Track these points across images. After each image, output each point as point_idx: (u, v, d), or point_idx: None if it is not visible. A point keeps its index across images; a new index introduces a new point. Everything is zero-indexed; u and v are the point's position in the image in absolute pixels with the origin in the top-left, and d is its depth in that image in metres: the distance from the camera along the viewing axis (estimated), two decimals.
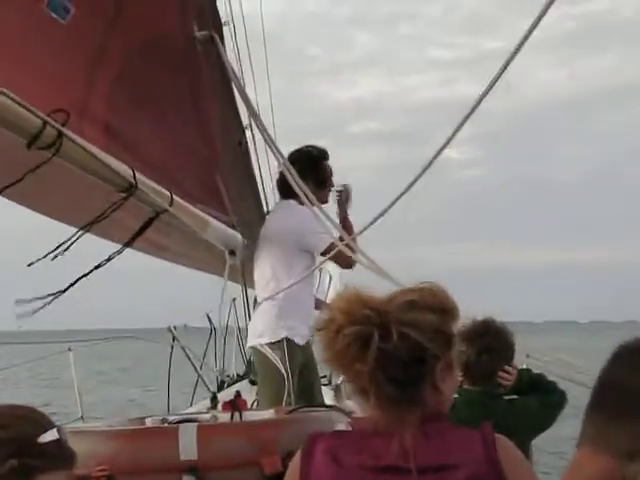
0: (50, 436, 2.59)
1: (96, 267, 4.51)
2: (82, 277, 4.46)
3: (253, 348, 5.84)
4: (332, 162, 5.85)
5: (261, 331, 5.77)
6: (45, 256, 4.07)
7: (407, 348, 2.29)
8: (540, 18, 2.74)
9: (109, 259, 4.56)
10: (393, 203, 4.21)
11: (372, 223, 4.90)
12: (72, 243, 4.16)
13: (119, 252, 4.58)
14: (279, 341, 5.61)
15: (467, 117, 3.33)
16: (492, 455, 2.33)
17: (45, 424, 2.63)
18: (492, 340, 4.08)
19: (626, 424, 1.57)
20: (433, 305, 2.38)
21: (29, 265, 4.05)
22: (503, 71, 3.03)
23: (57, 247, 4.10)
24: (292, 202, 5.73)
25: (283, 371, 5.53)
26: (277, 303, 5.68)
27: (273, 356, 5.64)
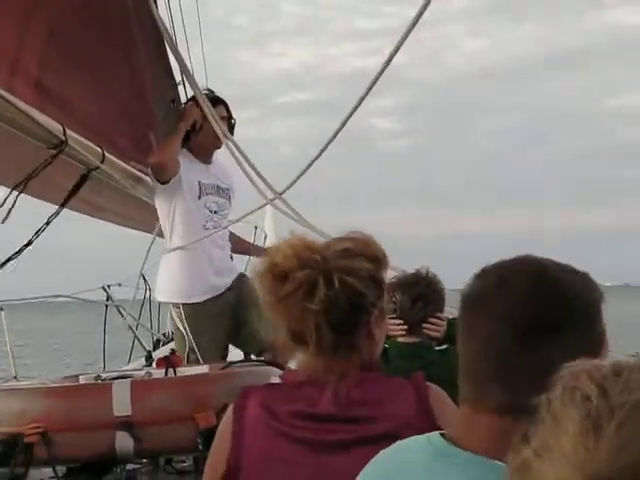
0: None
1: (37, 233, 4.45)
2: (27, 245, 4.41)
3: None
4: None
5: (159, 288, 5.83)
6: None
7: (346, 295, 2.32)
8: None
9: (48, 222, 4.51)
10: (308, 166, 4.32)
11: (289, 186, 4.98)
12: (12, 206, 4.12)
13: (57, 213, 4.53)
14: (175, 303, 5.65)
15: (370, 87, 3.38)
16: (424, 404, 2.37)
17: None
18: (425, 288, 4.12)
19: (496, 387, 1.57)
20: (367, 253, 2.40)
21: None
22: (404, 41, 3.06)
23: None
24: None
25: (182, 329, 5.55)
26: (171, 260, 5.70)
27: (171, 314, 5.71)
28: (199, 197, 5.62)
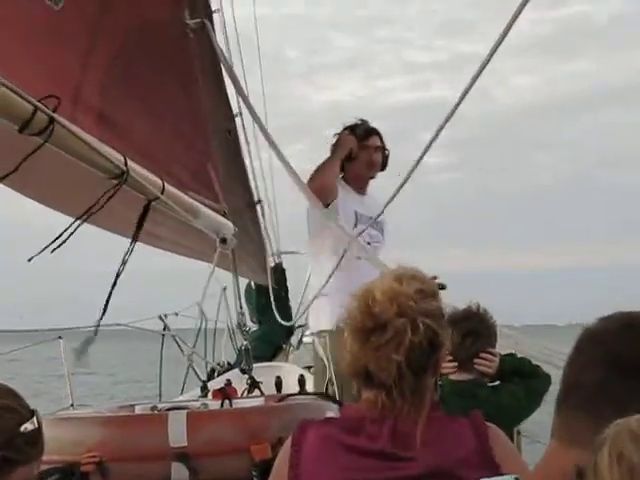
0: (30, 425, 2.59)
1: (117, 274, 4.47)
2: (115, 282, 4.42)
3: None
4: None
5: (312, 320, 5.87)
6: (43, 249, 4.05)
7: (428, 338, 2.32)
8: (513, 21, 2.76)
9: (124, 262, 4.53)
10: (382, 212, 4.36)
11: (363, 230, 5.04)
12: (70, 234, 4.14)
13: (131, 251, 4.55)
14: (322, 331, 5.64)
15: (445, 122, 3.39)
16: (484, 445, 2.36)
17: (25, 413, 2.63)
18: (476, 324, 4.10)
19: (584, 417, 1.59)
20: (434, 291, 2.41)
21: (29, 260, 4.03)
22: (478, 75, 3.06)
23: (54, 240, 4.08)
24: None
25: (324, 359, 5.50)
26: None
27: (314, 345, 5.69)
28: (355, 226, 5.64)
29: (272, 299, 7.92)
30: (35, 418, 2.62)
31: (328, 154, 5.84)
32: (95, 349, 4.59)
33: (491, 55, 2.95)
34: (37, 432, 2.62)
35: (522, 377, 4.20)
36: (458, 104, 3.27)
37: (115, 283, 4.37)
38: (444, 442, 2.35)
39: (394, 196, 4.28)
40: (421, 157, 3.80)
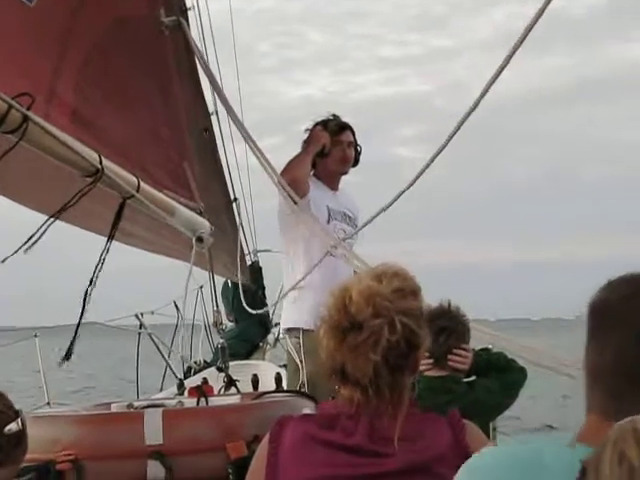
0: (15, 426, 2.58)
1: (95, 272, 4.45)
2: (92, 280, 4.41)
3: None
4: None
5: (284, 317, 5.84)
6: (17, 250, 4.04)
7: (406, 338, 2.32)
8: (540, 14, 2.75)
9: (102, 261, 4.51)
10: (372, 219, 4.49)
11: (353, 235, 5.06)
12: (43, 233, 4.13)
13: (107, 249, 4.54)
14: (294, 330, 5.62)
15: (452, 135, 3.37)
16: (461, 441, 2.37)
17: (10, 413, 2.62)
18: (449, 321, 4.12)
19: (628, 389, 1.60)
20: (414, 289, 2.41)
21: (2, 261, 4.01)
22: (493, 82, 3.04)
23: (28, 239, 4.07)
24: None
25: (297, 360, 5.48)
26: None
27: (288, 344, 5.66)
28: (328, 222, 5.63)
29: (241, 292, 7.93)
30: (20, 419, 2.62)
31: (300, 149, 5.83)
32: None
33: (512, 54, 2.93)
34: (21, 433, 2.61)
35: (497, 371, 4.22)
36: (470, 112, 3.25)
37: (92, 281, 4.36)
38: (421, 438, 2.36)
39: (391, 203, 4.26)
40: (424, 168, 3.78)
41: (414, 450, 2.32)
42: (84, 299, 4.28)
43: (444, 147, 3.52)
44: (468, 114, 3.26)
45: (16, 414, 2.63)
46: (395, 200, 4.16)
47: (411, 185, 3.97)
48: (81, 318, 4.32)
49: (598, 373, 1.64)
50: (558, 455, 1.63)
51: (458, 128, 3.35)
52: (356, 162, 5.99)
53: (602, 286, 1.68)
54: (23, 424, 2.63)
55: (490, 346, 4.47)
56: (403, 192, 4.06)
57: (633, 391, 1.58)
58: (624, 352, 1.59)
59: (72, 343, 4.42)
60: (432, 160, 3.69)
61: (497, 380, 4.19)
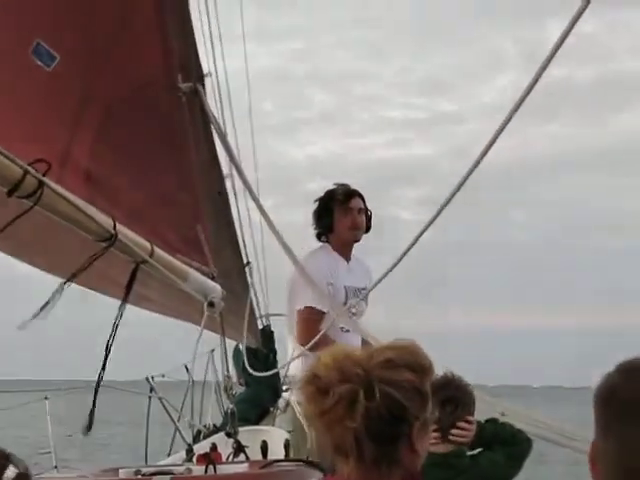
0: (11, 472, 2.56)
1: (111, 336, 4.47)
2: (107, 349, 4.43)
3: None
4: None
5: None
6: (34, 317, 4.06)
7: (388, 407, 2.29)
8: (538, 76, 2.77)
9: (116, 325, 4.54)
10: (381, 279, 4.36)
11: (363, 297, 5.05)
12: (58, 298, 4.15)
13: (121, 315, 4.56)
14: None
15: (454, 193, 3.38)
16: None
17: (3, 461, 2.60)
18: (454, 392, 4.08)
19: None
20: (411, 363, 2.37)
21: (19, 328, 4.03)
22: (490, 146, 3.05)
23: (44, 305, 4.09)
24: (313, 249, 5.83)
25: (307, 428, 5.44)
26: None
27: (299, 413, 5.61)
28: (345, 303, 5.61)
29: (244, 355, 7.91)
30: (12, 463, 2.60)
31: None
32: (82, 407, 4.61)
33: (514, 111, 2.94)
34: (22, 476, 2.59)
35: (503, 443, 4.17)
36: (467, 176, 3.26)
37: (108, 348, 4.38)
38: None
39: (389, 271, 4.27)
40: (426, 227, 3.79)
41: None
42: (103, 363, 4.32)
43: (441, 211, 3.54)
44: (465, 178, 3.28)
45: (7, 459, 2.61)
46: (394, 267, 4.17)
47: (408, 250, 3.98)
48: (99, 381, 4.36)
49: (630, 475, 1.52)
50: None
51: (454, 193, 3.37)
52: (368, 228, 6.00)
53: (611, 373, 1.58)
54: (19, 466, 2.61)
55: (497, 415, 4.42)
56: (400, 259, 4.08)
57: None
58: None
59: (92, 411, 4.45)
60: (429, 224, 3.70)
61: (501, 452, 4.15)
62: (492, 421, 4.30)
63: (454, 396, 4.06)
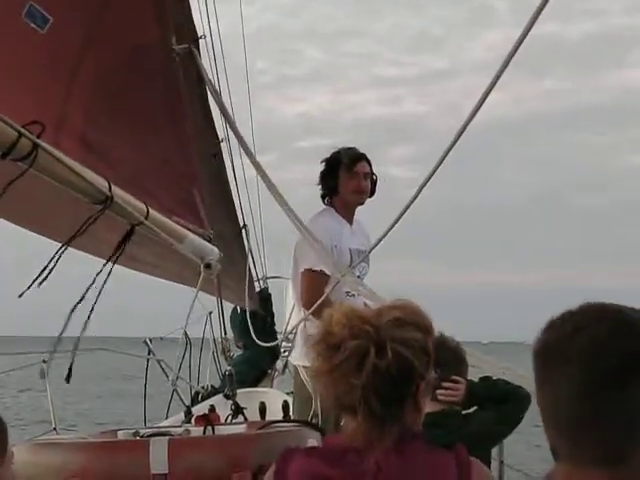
0: None
1: (87, 289, 4.48)
2: (79, 301, 4.44)
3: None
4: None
5: (298, 352, 5.80)
6: (32, 283, 4.07)
7: (398, 366, 2.30)
8: (524, 36, 2.76)
9: (94, 281, 4.54)
10: (380, 240, 4.38)
11: (364, 257, 5.05)
12: (56, 263, 4.16)
13: (109, 272, 4.56)
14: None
15: (445, 155, 3.37)
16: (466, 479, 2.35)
17: None
18: (443, 353, 4.09)
19: (591, 436, 1.59)
20: (418, 322, 2.39)
21: (20, 296, 4.05)
22: (481, 104, 3.04)
23: (42, 271, 4.09)
24: (320, 210, 5.84)
25: (311, 391, 5.45)
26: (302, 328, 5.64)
27: (305, 378, 5.61)
28: (350, 264, 5.61)
29: (249, 321, 7.94)
30: None
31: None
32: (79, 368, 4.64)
33: (497, 77, 2.93)
34: None
35: (495, 401, 4.18)
36: (463, 129, 3.25)
37: (92, 309, 4.40)
38: (421, 472, 2.35)
39: (387, 233, 4.27)
40: (419, 191, 3.78)
41: None
42: (85, 323, 4.36)
43: (435, 171, 3.53)
44: (458, 136, 3.27)
45: None
46: (391, 228, 4.17)
47: (405, 211, 3.97)
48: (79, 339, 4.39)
49: (555, 419, 1.62)
50: None
51: (448, 151, 3.37)
52: (372, 192, 5.99)
53: (543, 327, 1.65)
54: None
55: (491, 374, 4.42)
56: (398, 219, 4.07)
57: (594, 430, 1.56)
58: (573, 393, 1.57)
59: (71, 365, 4.48)
60: (424, 184, 3.69)
61: (493, 411, 4.15)
62: (484, 379, 4.31)
63: (443, 357, 4.07)
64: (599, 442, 1.56)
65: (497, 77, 2.93)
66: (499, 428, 4.21)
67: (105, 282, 4.45)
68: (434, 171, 3.53)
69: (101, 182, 4.12)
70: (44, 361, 6.97)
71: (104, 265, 4.50)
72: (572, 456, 1.60)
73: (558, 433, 1.63)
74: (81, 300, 4.38)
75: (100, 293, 4.41)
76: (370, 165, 5.95)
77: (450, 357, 4.11)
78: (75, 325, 4.44)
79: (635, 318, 1.60)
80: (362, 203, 5.96)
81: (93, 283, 4.39)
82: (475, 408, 4.23)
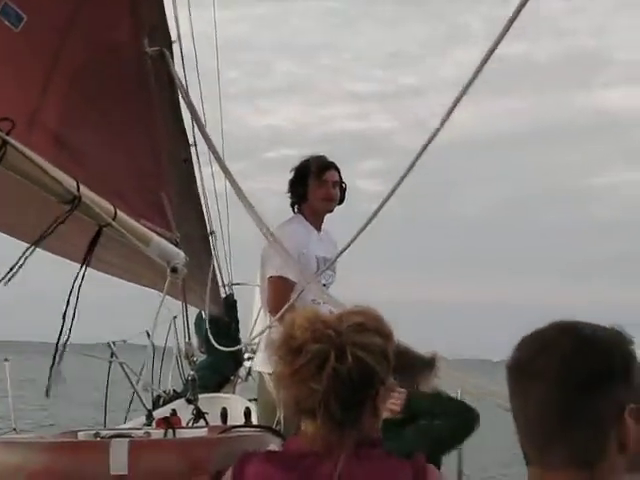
0: None
1: (70, 294, 4.48)
2: (66, 311, 4.43)
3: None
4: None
5: (262, 358, 5.78)
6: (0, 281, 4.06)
7: (358, 370, 2.32)
8: (491, 52, 2.79)
9: (74, 287, 4.53)
10: (345, 249, 4.37)
11: (330, 265, 5.07)
12: (23, 262, 4.15)
13: (83, 276, 4.55)
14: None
15: (409, 169, 3.40)
16: None
17: None
18: (398, 361, 4.05)
19: (560, 441, 1.69)
20: (379, 328, 2.41)
21: None
22: (449, 115, 3.07)
23: (9, 271, 4.09)
24: (289, 218, 5.86)
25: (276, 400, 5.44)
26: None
27: (269, 384, 5.58)
28: (317, 270, 5.60)
29: (207, 325, 7.93)
30: None
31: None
32: (42, 371, 4.62)
33: (461, 95, 2.96)
34: None
35: (432, 416, 4.11)
36: (422, 150, 3.28)
37: (66, 313, 4.39)
38: (377, 479, 2.36)
39: (352, 241, 4.28)
40: (385, 201, 3.80)
41: None
42: (65, 327, 4.34)
43: (399, 184, 3.55)
44: (421, 151, 3.31)
45: None
46: (355, 238, 4.18)
47: (369, 222, 3.99)
48: (58, 344, 4.38)
49: (526, 427, 1.73)
50: None
51: (412, 165, 3.40)
52: (341, 200, 6.01)
53: (516, 345, 1.78)
54: None
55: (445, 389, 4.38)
56: (362, 230, 4.10)
57: (563, 437, 1.67)
58: (543, 405, 1.69)
59: (51, 371, 4.48)
60: (389, 197, 3.72)
61: (412, 428, 4.09)
62: (427, 394, 4.23)
63: (400, 365, 4.04)
64: (569, 448, 1.67)
65: (462, 94, 2.97)
66: (414, 446, 4.08)
67: (80, 285, 4.45)
68: (398, 184, 3.56)
69: (70, 182, 4.12)
70: (6, 360, 6.96)
71: (81, 268, 4.49)
72: (543, 461, 1.70)
73: (530, 440, 1.73)
74: (67, 306, 4.38)
75: (77, 297, 4.42)
76: (339, 173, 5.97)
77: (400, 367, 4.07)
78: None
79: (594, 335, 1.73)
80: (331, 210, 5.97)
81: (78, 291, 4.40)
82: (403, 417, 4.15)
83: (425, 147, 3.28)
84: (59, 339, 4.46)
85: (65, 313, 4.43)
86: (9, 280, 4.09)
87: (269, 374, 5.48)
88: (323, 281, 5.62)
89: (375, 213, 3.91)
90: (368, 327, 2.39)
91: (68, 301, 4.42)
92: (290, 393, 2.39)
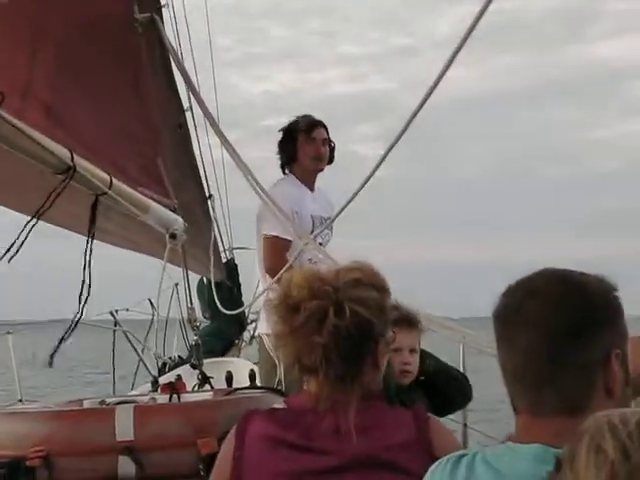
0: None
1: (84, 268, 4.48)
2: (82, 286, 4.44)
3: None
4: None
5: (262, 321, 5.79)
6: (2, 257, 4.06)
7: (356, 325, 2.35)
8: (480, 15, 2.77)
9: (87, 260, 4.53)
10: (342, 209, 4.44)
11: (328, 225, 5.08)
12: (26, 237, 4.15)
13: (90, 250, 4.55)
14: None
15: (402, 132, 3.37)
16: (424, 434, 2.39)
17: None
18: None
19: (549, 389, 1.71)
20: (375, 283, 2.44)
21: None
22: (440, 79, 3.05)
23: (11, 246, 4.09)
24: (280, 178, 5.84)
25: (275, 359, 5.46)
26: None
27: (266, 345, 5.60)
28: (311, 233, 5.60)
29: (213, 290, 7.94)
30: None
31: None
32: (46, 345, 4.63)
33: (455, 54, 2.93)
34: None
35: (434, 386, 4.11)
36: (418, 110, 3.25)
37: (84, 284, 4.40)
38: (381, 429, 2.38)
39: (350, 201, 4.27)
40: (380, 162, 3.79)
41: (371, 441, 2.35)
42: (79, 299, 4.36)
43: (394, 144, 3.52)
44: (416, 112, 3.27)
45: None
46: (353, 198, 4.17)
47: (366, 182, 3.98)
48: (80, 316, 4.41)
49: (514, 375, 1.75)
50: (510, 463, 1.71)
51: (407, 126, 3.36)
52: (331, 159, 5.99)
53: (502, 292, 1.80)
54: None
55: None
56: (360, 189, 4.06)
57: (551, 383, 1.69)
58: (531, 351, 1.71)
59: (59, 345, 4.49)
60: (384, 157, 3.70)
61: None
62: (430, 353, 4.23)
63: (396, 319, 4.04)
64: (557, 394, 1.69)
65: (455, 52, 2.93)
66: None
67: (90, 259, 4.46)
68: (393, 144, 3.53)
69: (64, 152, 4.12)
70: (9, 332, 6.98)
71: (87, 242, 4.50)
72: (532, 408, 1.72)
73: (518, 388, 1.75)
74: (83, 283, 4.40)
75: (90, 271, 4.43)
76: (327, 132, 5.96)
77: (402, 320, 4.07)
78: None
79: (581, 282, 1.75)
80: (322, 169, 5.95)
81: (86, 264, 4.41)
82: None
83: (421, 106, 3.25)
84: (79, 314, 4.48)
85: (82, 289, 4.43)
86: (12, 258, 4.09)
87: (267, 335, 5.52)
88: (320, 240, 5.62)
89: (371, 174, 3.89)
90: (364, 282, 2.41)
91: (83, 277, 4.43)
92: (290, 351, 2.41)
